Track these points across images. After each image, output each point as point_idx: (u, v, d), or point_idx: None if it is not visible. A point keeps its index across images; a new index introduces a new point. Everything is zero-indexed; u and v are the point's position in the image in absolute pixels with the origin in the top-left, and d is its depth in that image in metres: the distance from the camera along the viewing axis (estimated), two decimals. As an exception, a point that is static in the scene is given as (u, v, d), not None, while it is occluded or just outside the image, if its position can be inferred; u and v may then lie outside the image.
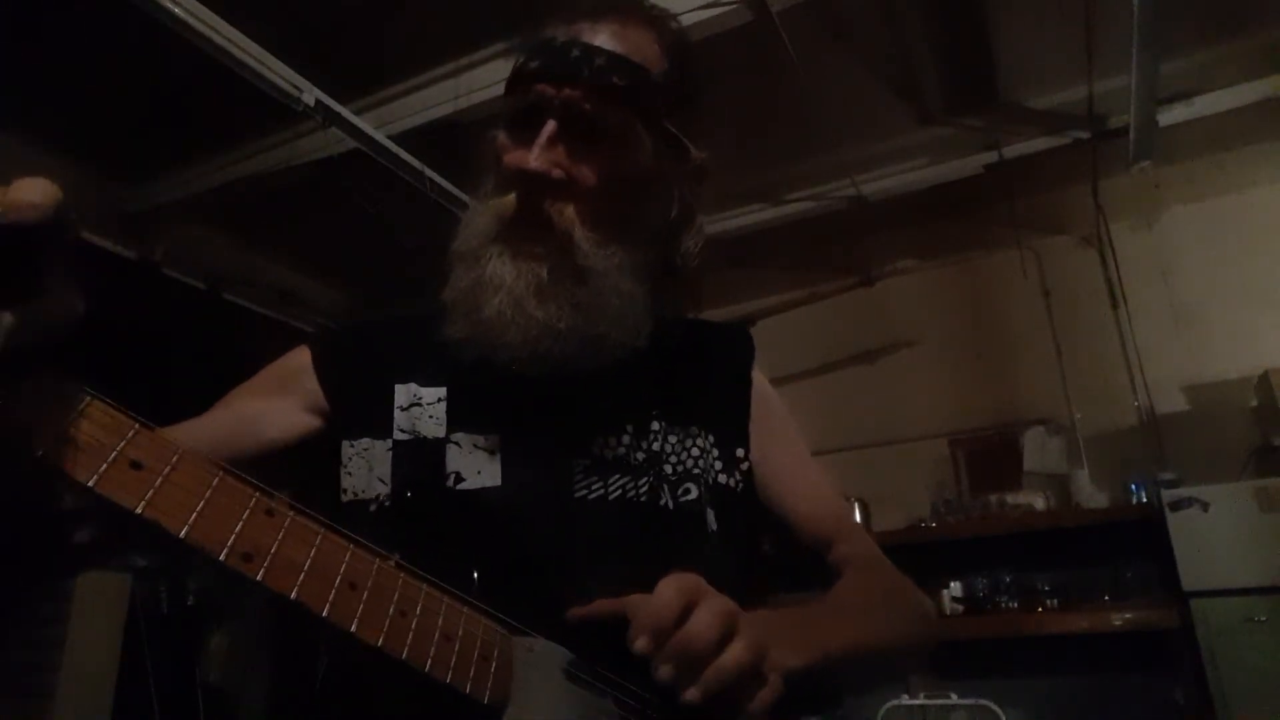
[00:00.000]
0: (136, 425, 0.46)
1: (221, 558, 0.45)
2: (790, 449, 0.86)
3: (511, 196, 0.72)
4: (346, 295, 4.26)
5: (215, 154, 3.11)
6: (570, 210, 0.71)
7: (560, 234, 0.70)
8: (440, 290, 0.75)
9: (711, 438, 0.79)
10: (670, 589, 0.54)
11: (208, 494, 0.46)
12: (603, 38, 0.73)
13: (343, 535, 0.51)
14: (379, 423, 0.74)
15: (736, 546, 0.76)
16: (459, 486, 0.71)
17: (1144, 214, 3.52)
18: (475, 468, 0.72)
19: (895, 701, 2.94)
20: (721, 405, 0.82)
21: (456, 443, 0.73)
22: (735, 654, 0.52)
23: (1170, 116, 2.93)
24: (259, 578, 0.46)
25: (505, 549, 0.66)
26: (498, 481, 0.71)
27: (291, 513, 0.50)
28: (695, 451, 0.77)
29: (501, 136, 0.76)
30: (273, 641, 3.53)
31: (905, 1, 2.64)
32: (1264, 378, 3.03)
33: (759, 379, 0.87)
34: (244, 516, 0.47)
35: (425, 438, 0.73)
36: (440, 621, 0.52)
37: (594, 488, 0.71)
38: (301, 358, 0.79)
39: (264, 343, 3.68)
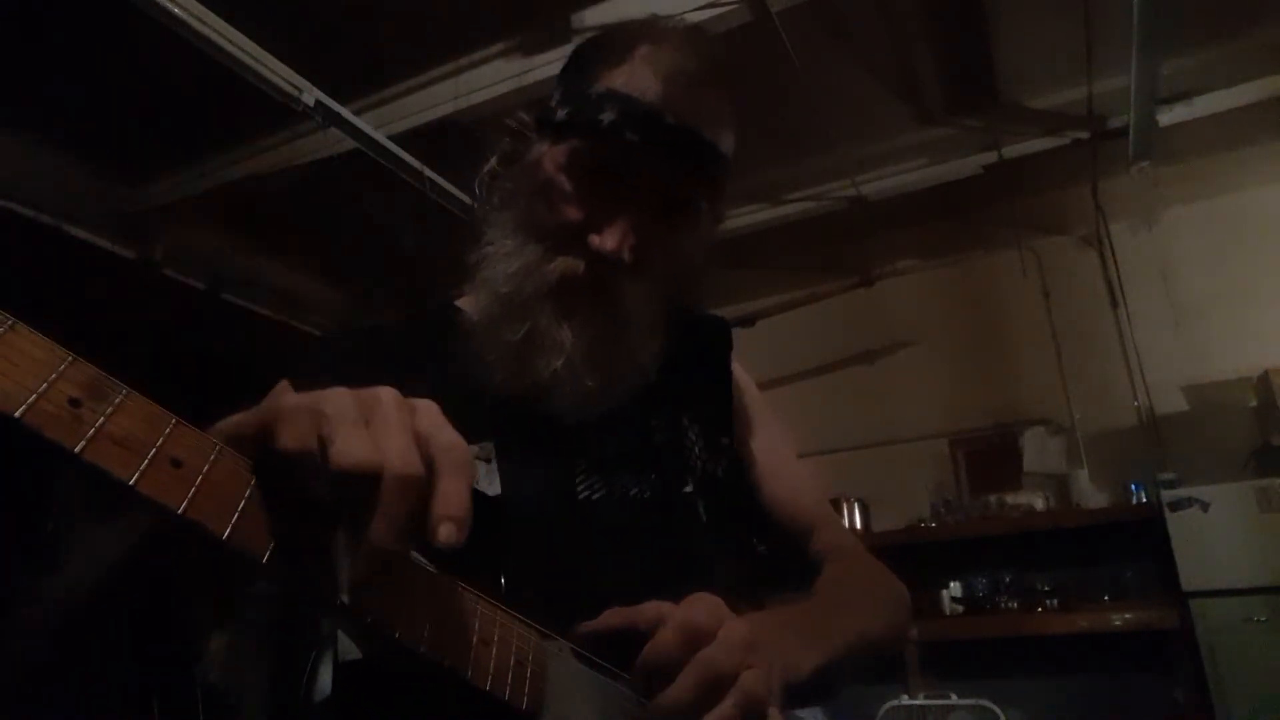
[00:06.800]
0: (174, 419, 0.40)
1: (265, 561, 0.40)
2: (769, 437, 0.88)
3: (581, 265, 0.71)
4: (346, 295, 4.26)
5: (215, 154, 3.11)
6: (642, 291, 0.73)
7: (624, 308, 0.72)
8: (419, 299, 0.74)
9: (698, 427, 0.79)
10: (673, 630, 0.52)
11: (248, 492, 0.41)
12: (706, 118, 0.73)
13: None
14: None
15: (727, 537, 0.76)
16: None
17: (1144, 214, 3.51)
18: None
19: (895, 702, 2.93)
20: (705, 395, 0.83)
21: None
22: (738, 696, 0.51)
23: (1170, 116, 2.93)
24: None
25: (513, 558, 0.63)
26: (498, 490, 0.69)
27: None
28: (688, 443, 0.77)
29: (563, 178, 0.72)
30: (273, 641, 3.53)
31: (905, 1, 2.64)
32: (1264, 378, 3.02)
33: (737, 369, 0.89)
34: None
35: None
36: (477, 624, 0.50)
37: (597, 488, 0.70)
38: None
39: (263, 343, 3.70)
